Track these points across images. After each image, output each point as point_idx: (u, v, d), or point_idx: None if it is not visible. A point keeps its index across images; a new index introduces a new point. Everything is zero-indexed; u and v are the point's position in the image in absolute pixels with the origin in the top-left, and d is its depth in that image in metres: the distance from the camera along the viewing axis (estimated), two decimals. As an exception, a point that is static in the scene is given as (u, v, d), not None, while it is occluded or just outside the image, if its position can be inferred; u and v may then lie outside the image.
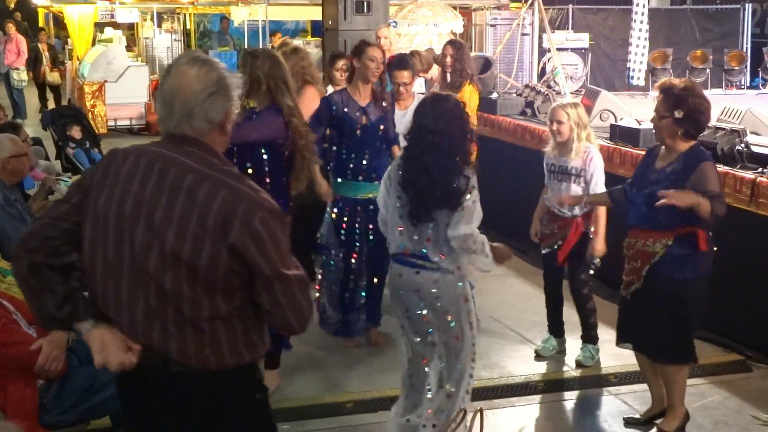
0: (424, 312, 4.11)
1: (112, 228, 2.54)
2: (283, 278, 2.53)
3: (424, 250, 4.04)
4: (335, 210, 5.76)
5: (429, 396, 4.20)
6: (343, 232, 5.75)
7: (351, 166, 5.67)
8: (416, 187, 3.98)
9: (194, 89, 2.53)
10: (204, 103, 2.53)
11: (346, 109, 5.65)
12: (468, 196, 3.93)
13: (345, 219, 5.73)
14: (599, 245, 5.42)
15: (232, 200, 2.47)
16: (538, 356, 5.78)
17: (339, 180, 5.72)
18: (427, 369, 4.21)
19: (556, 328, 5.84)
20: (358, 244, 5.77)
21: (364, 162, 5.63)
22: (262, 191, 2.56)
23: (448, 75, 7.33)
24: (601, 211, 5.42)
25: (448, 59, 7.29)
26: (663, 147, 4.57)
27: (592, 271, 5.59)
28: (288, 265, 2.55)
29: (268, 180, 4.78)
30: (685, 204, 4.18)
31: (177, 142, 2.57)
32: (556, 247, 5.59)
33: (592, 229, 5.45)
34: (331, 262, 5.83)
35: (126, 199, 2.53)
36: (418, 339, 4.21)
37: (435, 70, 8.27)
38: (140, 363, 2.54)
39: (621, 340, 4.82)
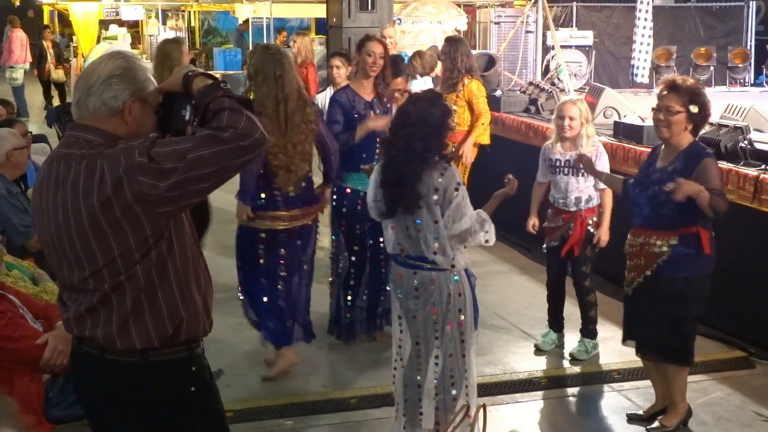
0: (422, 311, 4.13)
1: (43, 242, 2.71)
2: (191, 165, 2.46)
3: (420, 250, 4.06)
4: (344, 202, 5.75)
5: (425, 403, 4.22)
6: (356, 226, 5.74)
7: (363, 159, 5.63)
8: (386, 183, 4.06)
9: (99, 72, 2.62)
10: (102, 84, 2.60)
11: (353, 105, 5.66)
12: (455, 193, 3.95)
13: (355, 211, 5.71)
14: (604, 235, 5.47)
15: (110, 163, 2.48)
16: (538, 350, 5.80)
17: (350, 173, 5.71)
18: (420, 370, 4.21)
19: (556, 322, 5.86)
20: (369, 239, 5.77)
21: (376, 156, 5.64)
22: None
23: (446, 72, 7.42)
24: (608, 202, 5.47)
25: (442, 57, 7.41)
26: (663, 146, 4.58)
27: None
28: (184, 155, 2.45)
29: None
30: (687, 193, 4.17)
31: (73, 131, 2.65)
32: (558, 242, 5.62)
33: (594, 220, 5.51)
34: (340, 264, 5.84)
35: (39, 208, 2.65)
36: (416, 339, 4.21)
37: (440, 68, 8.31)
38: (85, 351, 2.68)
39: (626, 338, 4.83)
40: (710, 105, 4.47)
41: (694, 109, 4.37)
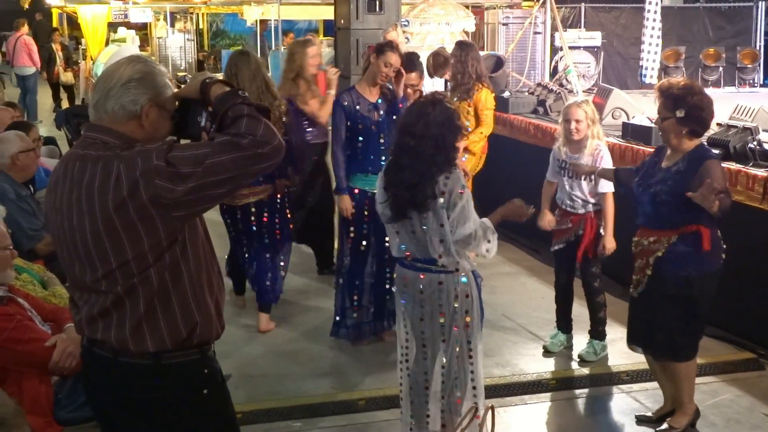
0: (428, 314, 4.12)
1: (56, 241, 2.71)
2: (209, 171, 2.46)
3: (427, 252, 4.05)
4: (352, 203, 5.73)
5: (432, 405, 4.21)
6: (363, 227, 5.75)
7: (370, 161, 5.67)
8: (393, 186, 4.06)
9: (119, 76, 2.63)
10: (122, 87, 2.61)
11: (358, 107, 5.67)
12: (460, 196, 3.94)
13: (362, 212, 5.72)
14: (609, 242, 5.44)
15: (127, 165, 2.49)
16: (547, 352, 5.79)
17: (357, 174, 5.72)
18: (427, 373, 4.21)
19: (564, 323, 5.86)
20: (375, 239, 5.77)
21: (382, 157, 5.64)
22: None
23: (457, 77, 7.36)
24: (609, 208, 5.44)
25: (452, 61, 7.37)
26: (669, 148, 4.57)
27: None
28: (203, 161, 2.46)
29: None
30: (706, 206, 4.17)
31: (90, 132, 2.65)
32: (566, 244, 5.61)
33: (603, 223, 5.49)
34: (345, 263, 5.84)
35: (53, 207, 2.66)
36: (423, 341, 4.20)
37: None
38: (96, 354, 2.69)
39: (631, 342, 4.82)
40: (704, 105, 4.40)
41: (680, 113, 4.35)
